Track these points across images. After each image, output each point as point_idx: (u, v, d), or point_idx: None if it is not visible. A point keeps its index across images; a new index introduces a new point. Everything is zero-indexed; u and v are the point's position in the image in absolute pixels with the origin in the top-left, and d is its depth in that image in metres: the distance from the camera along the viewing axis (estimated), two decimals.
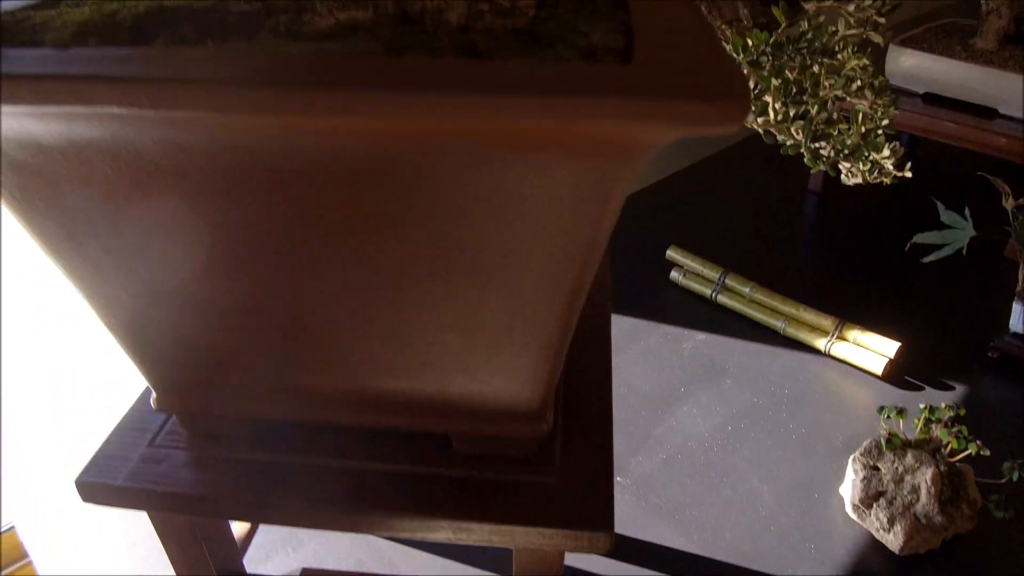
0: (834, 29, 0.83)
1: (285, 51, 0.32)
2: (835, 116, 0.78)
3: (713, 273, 1.38)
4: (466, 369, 0.45)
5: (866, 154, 0.82)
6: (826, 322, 1.28)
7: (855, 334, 1.26)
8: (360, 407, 0.53)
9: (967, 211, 1.38)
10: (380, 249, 0.36)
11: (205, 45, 0.32)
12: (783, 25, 0.81)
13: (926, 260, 1.38)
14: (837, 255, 1.70)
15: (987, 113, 1.61)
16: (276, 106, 0.28)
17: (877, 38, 0.88)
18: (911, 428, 1.03)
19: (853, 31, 0.86)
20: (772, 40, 0.78)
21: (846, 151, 0.80)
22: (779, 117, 0.76)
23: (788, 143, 0.78)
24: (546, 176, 0.33)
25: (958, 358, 1.34)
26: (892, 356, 1.23)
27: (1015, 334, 1.33)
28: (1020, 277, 1.33)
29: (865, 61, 0.82)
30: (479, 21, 0.36)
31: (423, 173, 0.32)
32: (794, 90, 0.77)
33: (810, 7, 0.79)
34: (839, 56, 0.83)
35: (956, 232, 1.38)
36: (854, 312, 1.37)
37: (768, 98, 0.77)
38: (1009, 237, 1.36)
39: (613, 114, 0.28)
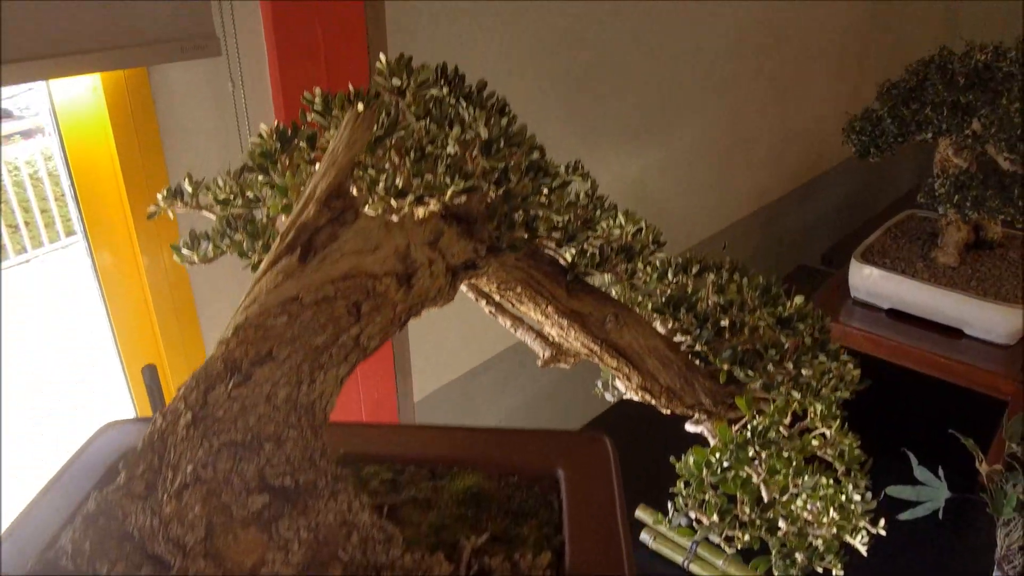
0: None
1: None
2: (806, 528, 0.72)
3: (685, 540, 1.31)
4: None
5: (838, 545, 0.76)
6: None
7: None
8: None
9: (941, 471, 1.33)
10: None
11: None
12: (746, 417, 0.76)
13: (902, 517, 1.32)
14: None
15: (954, 332, 1.60)
16: None
17: (845, 393, 0.84)
18: None
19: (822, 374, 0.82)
20: (736, 440, 0.72)
21: (820, 552, 0.74)
22: (746, 537, 0.70)
23: (758, 567, 0.72)
24: None
25: None
26: None
27: None
28: (999, 542, 1.28)
29: (848, 440, 0.78)
30: None
31: None
32: (763, 502, 0.71)
33: (775, 397, 0.74)
34: (814, 407, 0.78)
35: (930, 490, 1.34)
36: None
37: (736, 513, 0.71)
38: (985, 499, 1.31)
39: None
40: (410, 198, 0.54)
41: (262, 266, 0.44)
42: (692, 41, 2.09)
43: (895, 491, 1.33)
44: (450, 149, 0.58)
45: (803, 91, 2.67)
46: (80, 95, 1.12)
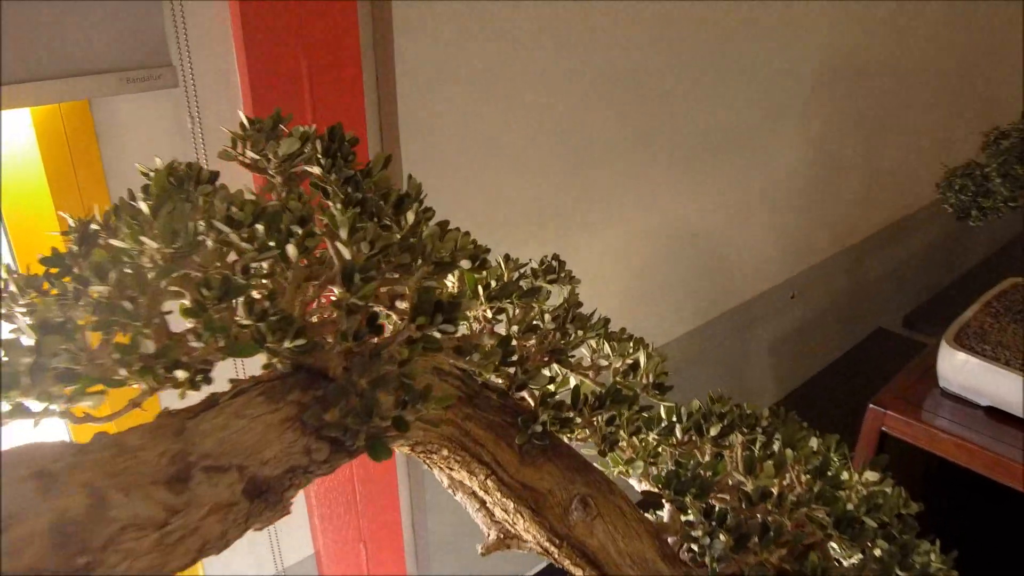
0: None
1: None
2: None
3: None
4: None
5: None
6: None
7: None
8: None
9: None
10: None
11: None
12: None
13: None
14: None
15: None
16: None
17: None
18: None
19: None
20: None
21: None
22: None
23: None
24: None
25: None
26: None
27: None
28: None
29: None
30: None
31: None
32: None
33: None
34: None
35: None
36: None
37: None
38: None
39: None
40: (182, 373, 0.32)
41: None
42: (770, 65, 1.83)
43: None
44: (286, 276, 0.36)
45: (893, 126, 2.35)
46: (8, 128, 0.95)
